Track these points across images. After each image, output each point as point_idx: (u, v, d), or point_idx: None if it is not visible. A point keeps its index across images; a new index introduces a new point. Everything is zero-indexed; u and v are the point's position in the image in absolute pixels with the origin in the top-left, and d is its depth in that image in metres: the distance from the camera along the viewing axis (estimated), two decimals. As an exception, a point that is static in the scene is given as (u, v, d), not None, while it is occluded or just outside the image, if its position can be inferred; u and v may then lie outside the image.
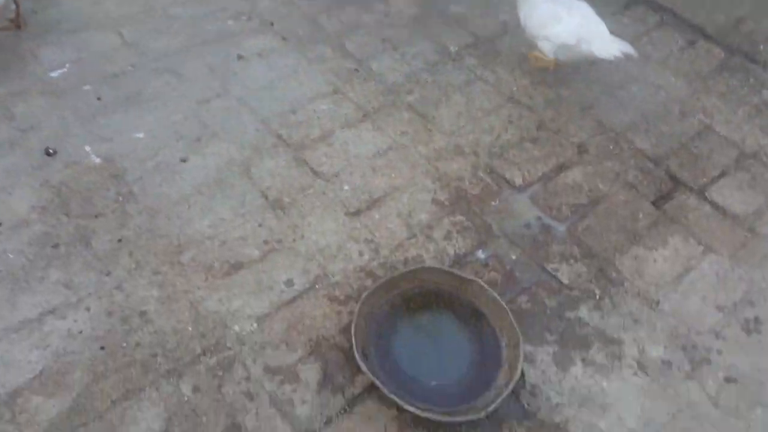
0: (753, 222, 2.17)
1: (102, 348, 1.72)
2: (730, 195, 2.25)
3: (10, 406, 1.59)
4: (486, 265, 1.97)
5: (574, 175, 2.27)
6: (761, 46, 2.93)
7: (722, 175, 2.33)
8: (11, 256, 1.92)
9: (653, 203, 2.20)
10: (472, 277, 1.81)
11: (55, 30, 2.71)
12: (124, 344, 1.73)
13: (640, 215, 2.14)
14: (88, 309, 1.81)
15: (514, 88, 2.59)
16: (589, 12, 2.51)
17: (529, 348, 1.77)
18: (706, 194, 2.25)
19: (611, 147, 2.38)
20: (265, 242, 2.00)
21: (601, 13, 2.88)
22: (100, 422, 1.58)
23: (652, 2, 3.12)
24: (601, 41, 2.43)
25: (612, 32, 2.48)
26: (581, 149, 2.36)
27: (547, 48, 2.56)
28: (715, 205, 2.22)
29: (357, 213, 2.09)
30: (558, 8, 2.48)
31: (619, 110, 2.53)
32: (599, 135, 2.43)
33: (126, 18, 2.80)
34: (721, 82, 2.72)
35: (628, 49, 2.42)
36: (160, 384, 1.65)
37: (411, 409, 1.53)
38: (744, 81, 2.76)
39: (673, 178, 2.30)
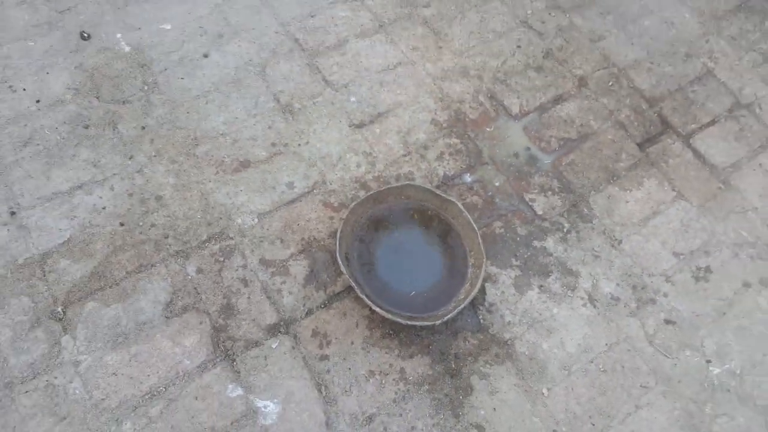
0: (729, 174, 2.00)
1: (122, 224, 1.74)
2: (714, 144, 2.05)
3: (41, 265, 1.65)
4: (470, 188, 1.87)
5: (569, 108, 2.07)
6: (786, -12, 2.53)
7: (712, 123, 2.11)
8: (48, 132, 1.89)
9: (639, 145, 2.02)
10: (452, 198, 1.73)
11: None
12: (141, 223, 1.74)
13: (623, 155, 1.98)
14: (112, 188, 1.80)
15: (529, 12, 2.30)
16: None
17: (494, 270, 1.73)
18: (691, 141, 2.06)
19: (611, 83, 2.14)
20: (273, 144, 1.92)
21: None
22: (116, 288, 1.63)
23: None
24: None
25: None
26: (581, 82, 2.14)
27: None
28: (697, 153, 2.03)
29: (360, 126, 1.97)
30: None
31: (626, 45, 2.25)
32: (602, 69, 2.18)
33: None
34: (735, 23, 2.38)
35: None
36: (169, 262, 1.68)
37: (379, 310, 1.53)
38: (758, 25, 2.40)
39: (664, 122, 2.09)
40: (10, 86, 1.97)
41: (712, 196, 1.93)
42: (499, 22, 2.27)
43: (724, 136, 2.07)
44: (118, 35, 2.12)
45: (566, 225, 1.84)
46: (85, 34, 2.13)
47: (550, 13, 2.30)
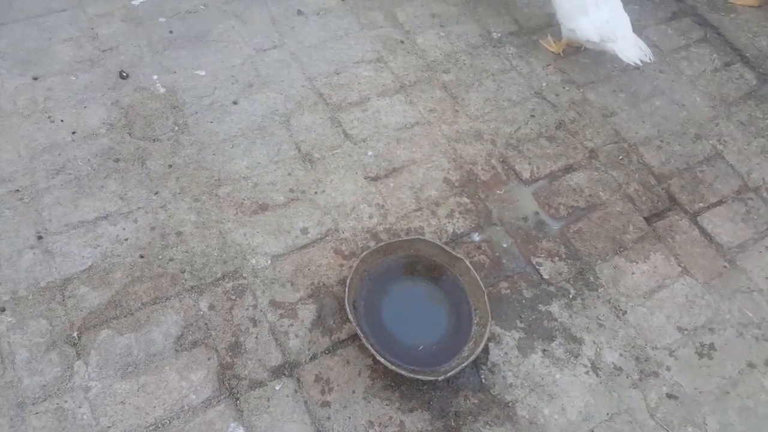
0: (735, 255, 2.01)
1: (141, 256, 1.79)
2: (721, 224, 2.08)
3: (62, 290, 1.70)
4: (478, 247, 1.92)
5: (579, 178, 2.14)
6: (795, 80, 2.65)
7: (719, 203, 2.15)
8: (80, 163, 1.98)
9: (646, 219, 2.06)
10: (461, 255, 1.77)
11: (144, -41, 2.66)
12: (160, 257, 1.80)
13: (631, 228, 2.02)
14: (135, 221, 1.87)
15: (544, 84, 2.41)
16: (617, 6, 2.27)
17: (498, 330, 1.75)
18: (698, 219, 2.10)
19: (621, 157, 2.21)
20: (291, 190, 1.99)
21: (646, 21, 2.67)
22: (130, 318, 1.67)
23: (699, 16, 2.79)
24: (624, 43, 2.22)
25: (647, 40, 2.25)
26: (592, 154, 2.21)
27: (573, 39, 2.37)
28: (703, 231, 2.07)
29: (375, 179, 2.05)
30: (588, 1, 2.24)
31: (638, 122, 2.34)
32: (613, 143, 2.26)
33: (206, -43, 2.72)
34: (745, 110, 2.45)
35: (648, 55, 2.23)
36: (183, 297, 1.73)
37: (383, 361, 1.55)
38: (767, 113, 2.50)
39: (671, 198, 2.14)
40: (50, 117, 2.08)
41: (718, 275, 1.95)
42: (515, 92, 2.38)
43: (731, 217, 2.10)
44: (155, 77, 2.24)
45: (572, 291, 1.86)
46: (124, 74, 2.26)
47: (564, 87, 2.41)
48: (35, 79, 2.17)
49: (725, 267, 1.97)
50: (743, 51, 2.67)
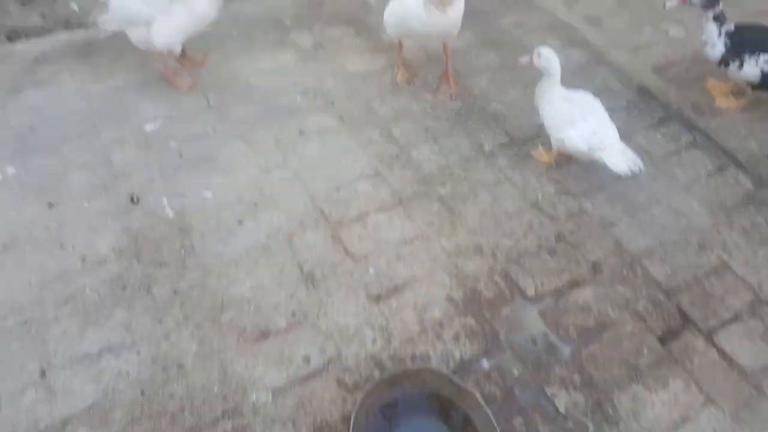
0: (761, 379, 1.83)
1: (142, 393, 1.70)
2: (740, 344, 1.92)
3: (60, 432, 1.60)
4: (488, 376, 1.79)
5: (586, 295, 2.03)
6: (791, 182, 2.58)
7: (734, 320, 1.99)
8: (89, 291, 1.94)
9: (660, 339, 1.92)
10: (471, 389, 1.65)
11: (156, 86, 2.72)
12: (161, 393, 1.70)
13: (645, 350, 1.88)
14: (138, 353, 1.79)
15: (540, 195, 2.37)
16: (603, 117, 2.28)
17: (511, 470, 1.59)
18: (715, 339, 1.94)
19: (625, 271, 2.11)
20: (293, 314, 1.91)
21: (634, 127, 2.66)
22: (128, 463, 1.55)
23: (686, 121, 2.78)
24: (611, 152, 2.20)
25: (637, 146, 2.20)
26: (596, 268, 2.12)
27: (561, 148, 2.36)
28: (722, 353, 1.90)
29: (377, 298, 1.97)
30: (573, 111, 2.26)
31: (638, 233, 2.25)
32: (615, 256, 2.17)
33: (214, 83, 2.77)
34: (746, 216, 2.35)
35: (638, 164, 2.20)
36: (182, 439, 1.61)
37: None
38: None
39: (683, 315, 2.00)
40: (62, 244, 2.07)
41: (745, 403, 1.77)
42: (511, 204, 2.33)
43: (749, 336, 1.95)
44: (164, 200, 2.24)
45: (591, 427, 1.69)
46: (135, 198, 2.26)
47: (559, 198, 2.36)
48: (50, 206, 2.18)
49: (752, 395, 1.78)
50: (735, 154, 2.61)
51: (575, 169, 2.48)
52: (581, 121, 2.22)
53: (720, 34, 2.61)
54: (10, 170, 2.30)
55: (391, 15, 2.70)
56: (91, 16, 2.68)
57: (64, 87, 2.69)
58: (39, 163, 2.33)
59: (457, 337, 1.88)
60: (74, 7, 3.23)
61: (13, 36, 3.04)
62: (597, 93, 2.77)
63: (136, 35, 2.60)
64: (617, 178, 2.35)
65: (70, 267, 2.00)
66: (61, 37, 3.00)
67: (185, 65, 2.84)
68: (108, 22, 2.62)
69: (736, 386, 1.81)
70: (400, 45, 2.91)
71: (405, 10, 2.55)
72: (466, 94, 2.86)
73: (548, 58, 2.28)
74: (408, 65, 2.98)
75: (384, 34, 3.07)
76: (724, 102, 2.85)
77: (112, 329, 1.84)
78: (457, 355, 1.84)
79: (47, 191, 2.23)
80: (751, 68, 2.59)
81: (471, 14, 3.23)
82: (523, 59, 2.36)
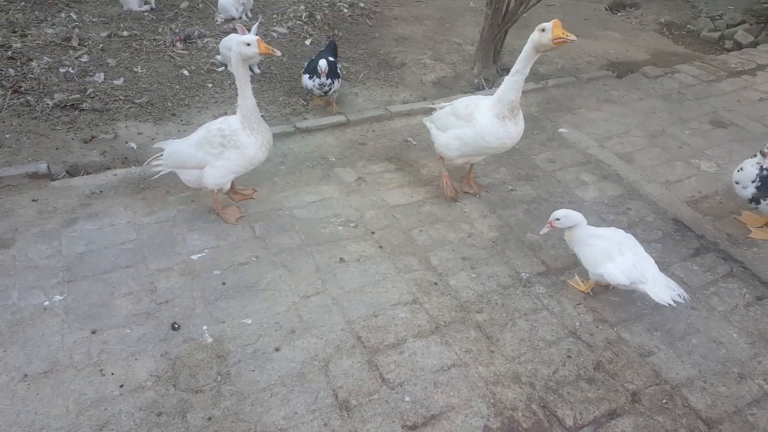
0: None
1: None
2: (785, 479, 2.09)
3: None
4: None
5: (625, 425, 2.23)
6: (834, 313, 2.82)
7: (779, 452, 2.18)
8: (124, 417, 2.21)
9: (702, 473, 2.10)
10: None
11: (205, 218, 3.25)
12: None
13: (686, 485, 2.05)
14: (169, 483, 2.01)
15: (577, 324, 2.67)
16: (639, 250, 2.63)
17: None
18: (759, 472, 2.12)
19: (665, 401, 2.33)
20: (327, 444, 2.14)
21: (670, 258, 3.02)
22: None
23: (722, 252, 3.14)
24: (654, 284, 2.52)
25: (674, 277, 2.51)
26: (634, 398, 2.34)
27: (600, 281, 2.69)
28: (768, 488, 2.07)
29: (413, 428, 2.20)
30: (610, 246, 2.61)
31: (677, 362, 2.50)
32: (654, 386, 2.40)
33: (260, 214, 3.30)
34: None
35: (681, 295, 2.51)
36: None
37: None
38: None
39: (726, 447, 2.20)
40: (101, 370, 2.40)
41: None
42: (549, 332, 2.63)
43: (794, 469, 2.11)
44: (204, 327, 2.61)
45: None
46: (176, 325, 2.64)
47: (597, 326, 2.66)
48: (93, 332, 2.55)
49: None
50: (773, 285, 2.95)
51: (612, 298, 2.80)
52: (620, 256, 2.58)
53: (755, 179, 3.08)
54: (57, 297, 2.72)
55: (456, 140, 3.24)
56: (145, 162, 3.31)
57: (117, 219, 3.24)
58: (85, 291, 2.75)
59: (495, 469, 2.07)
60: (132, 145, 3.97)
61: (73, 171, 3.72)
62: (632, 225, 3.23)
63: (186, 176, 3.19)
64: (655, 307, 2.67)
65: (108, 393, 2.30)
66: (118, 173, 3.65)
67: (234, 199, 3.41)
68: (161, 165, 3.22)
69: None
70: (444, 163, 3.50)
71: (480, 132, 3.10)
72: (483, 190, 3.51)
73: (567, 217, 2.71)
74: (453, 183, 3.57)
75: (425, 166, 3.65)
76: (759, 234, 3.24)
77: (143, 458, 2.10)
78: (495, 489, 2.01)
79: (91, 318, 2.62)
80: None
81: (506, 153, 3.84)
82: (544, 231, 2.79)
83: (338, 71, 4.38)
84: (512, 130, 3.07)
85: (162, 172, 3.22)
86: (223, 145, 3.00)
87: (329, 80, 4.25)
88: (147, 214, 3.28)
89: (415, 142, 4.08)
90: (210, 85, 4.77)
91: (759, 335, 2.66)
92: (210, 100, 4.55)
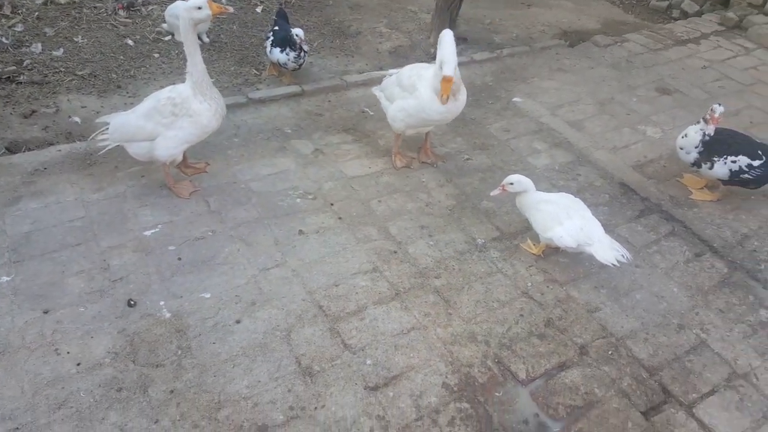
0: None
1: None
2: (717, 415, 2.31)
3: None
4: (483, 459, 2.11)
5: (574, 375, 2.42)
6: (763, 265, 3.07)
7: (712, 392, 2.40)
8: (82, 395, 2.24)
9: (643, 414, 2.30)
10: (465, 469, 1.96)
11: (156, 193, 3.25)
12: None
13: (630, 425, 2.25)
14: (133, 455, 2.06)
15: (529, 284, 2.84)
16: (587, 213, 2.81)
17: None
18: (694, 411, 2.33)
19: (610, 352, 2.53)
20: (291, 408, 2.24)
21: (616, 220, 3.22)
22: None
23: (665, 213, 3.37)
24: (599, 246, 2.71)
25: (619, 237, 2.71)
26: (583, 351, 2.53)
27: (550, 243, 2.86)
28: (701, 424, 2.29)
29: (374, 388, 2.32)
30: (559, 211, 2.77)
31: (621, 316, 2.71)
32: (601, 339, 2.60)
33: (214, 188, 3.32)
34: (722, 297, 2.86)
35: (625, 255, 2.70)
36: None
37: None
38: (743, 299, 2.88)
39: (665, 391, 2.40)
40: (56, 349, 2.40)
41: (724, 470, 2.12)
42: (503, 293, 2.80)
43: (725, 406, 2.34)
44: (161, 303, 2.64)
45: (580, 500, 1.98)
46: (132, 302, 2.66)
47: (548, 286, 2.84)
48: (45, 312, 2.54)
49: (730, 462, 2.15)
50: (711, 242, 3.18)
51: (562, 259, 2.98)
52: (568, 220, 2.74)
53: (698, 145, 3.29)
54: (4, 278, 2.69)
55: (400, 111, 3.33)
56: (90, 137, 3.25)
57: (63, 196, 3.19)
58: (34, 271, 2.73)
59: (452, 422, 2.22)
60: (76, 119, 3.88)
61: (13, 148, 3.61)
62: (581, 190, 3.41)
63: (135, 149, 3.15)
64: (601, 266, 2.85)
65: (65, 372, 2.32)
66: (62, 149, 3.57)
67: (187, 173, 3.40)
68: (108, 140, 3.16)
69: (715, 455, 2.17)
70: (399, 136, 3.58)
71: (422, 105, 3.19)
72: (440, 159, 3.64)
73: (519, 182, 2.85)
74: (404, 152, 3.67)
75: (383, 137, 3.74)
76: (699, 195, 3.49)
77: None
78: (453, 439, 2.17)
79: (42, 298, 2.61)
80: (721, 168, 3.25)
81: (460, 122, 3.99)
82: (495, 193, 2.93)
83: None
84: (451, 105, 3.15)
85: (109, 147, 3.16)
86: (174, 113, 2.98)
87: (304, 52, 4.20)
88: (95, 190, 3.24)
89: (372, 113, 4.13)
90: (156, 55, 4.69)
91: (697, 289, 2.91)
92: (157, 70, 4.47)
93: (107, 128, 3.16)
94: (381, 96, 3.57)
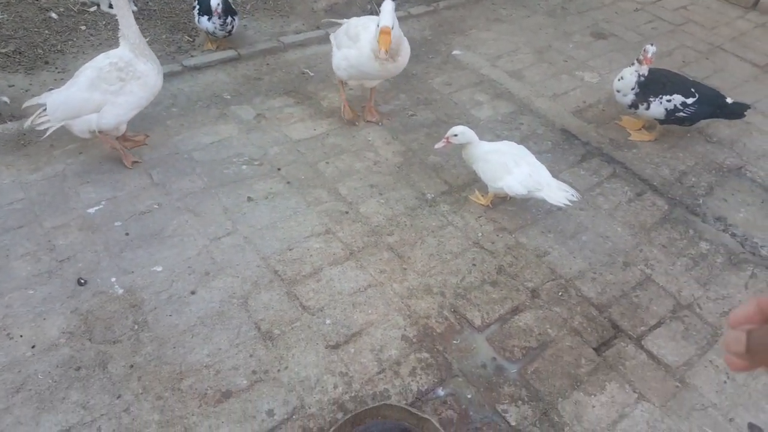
0: (683, 373, 2.31)
1: (105, 473, 1.91)
2: (665, 345, 2.41)
3: None
4: (444, 402, 2.15)
5: (527, 318, 2.47)
6: (701, 200, 3.17)
7: (658, 324, 2.50)
8: (40, 377, 2.16)
9: (595, 350, 2.37)
10: (427, 416, 1.98)
11: (97, 170, 3.09)
12: (124, 470, 1.92)
13: (583, 361, 2.32)
14: (99, 429, 2.01)
15: (480, 234, 2.85)
16: (533, 160, 2.81)
17: (474, 485, 1.91)
18: (643, 343, 2.42)
19: (560, 294, 2.59)
20: (254, 372, 2.21)
21: (559, 165, 3.24)
22: None
23: (606, 155, 3.42)
24: (549, 189, 2.72)
25: (564, 182, 2.76)
26: (534, 294, 2.58)
27: (499, 193, 2.87)
28: (650, 354, 2.38)
29: (336, 346, 2.31)
30: (506, 160, 2.76)
31: (569, 258, 2.76)
32: (551, 281, 2.65)
33: (156, 160, 3.17)
34: (663, 233, 2.94)
35: (573, 195, 2.73)
36: None
37: None
38: (684, 233, 2.97)
39: (615, 326, 2.48)
40: (8, 334, 2.30)
41: (672, 396, 2.22)
42: (455, 245, 2.80)
43: (672, 336, 2.44)
44: (113, 279, 2.54)
45: (540, 434, 2.07)
46: (82, 281, 2.55)
47: (498, 235, 2.86)
48: (-8, 298, 2.44)
49: (677, 387, 2.24)
50: (650, 180, 3.25)
51: (509, 207, 3.00)
52: (516, 168, 2.74)
53: (634, 86, 3.31)
54: None
55: (344, 60, 3.24)
56: (26, 123, 2.98)
57: (-1, 179, 3.04)
58: (-24, 257, 2.60)
59: (413, 372, 2.23)
60: (4, 99, 3.61)
61: (-62, 133, 3.38)
62: (524, 139, 3.42)
63: (80, 126, 2.94)
64: (548, 211, 2.90)
65: (20, 355, 2.23)
66: (-8, 131, 3.38)
67: (126, 146, 3.22)
68: (50, 121, 2.92)
69: (663, 382, 2.27)
70: (343, 85, 3.51)
71: (360, 60, 3.11)
72: (384, 118, 3.57)
73: (464, 134, 2.81)
74: (351, 106, 3.58)
75: (325, 98, 3.63)
76: (637, 136, 3.55)
77: (68, 411, 2.07)
78: (414, 388, 2.19)
79: (-13, 284, 2.50)
80: (657, 108, 3.29)
81: (403, 78, 3.90)
82: (439, 145, 2.88)
83: (233, 7, 4.09)
84: (389, 67, 3.08)
85: (52, 129, 2.93)
86: (121, 79, 2.84)
87: (230, 18, 3.95)
88: (32, 171, 3.05)
89: (312, 74, 4.00)
90: (83, 28, 4.37)
91: (640, 227, 2.98)
92: (86, 43, 4.19)
93: (44, 110, 2.92)
94: (333, 42, 3.46)
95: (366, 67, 3.14)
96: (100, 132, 2.99)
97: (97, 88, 2.86)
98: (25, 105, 3.00)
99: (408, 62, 3.25)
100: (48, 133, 2.95)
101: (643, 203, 3.13)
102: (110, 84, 2.86)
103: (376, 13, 4.91)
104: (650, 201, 3.13)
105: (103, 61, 2.89)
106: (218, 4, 3.90)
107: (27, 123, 2.98)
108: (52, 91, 2.98)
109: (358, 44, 3.13)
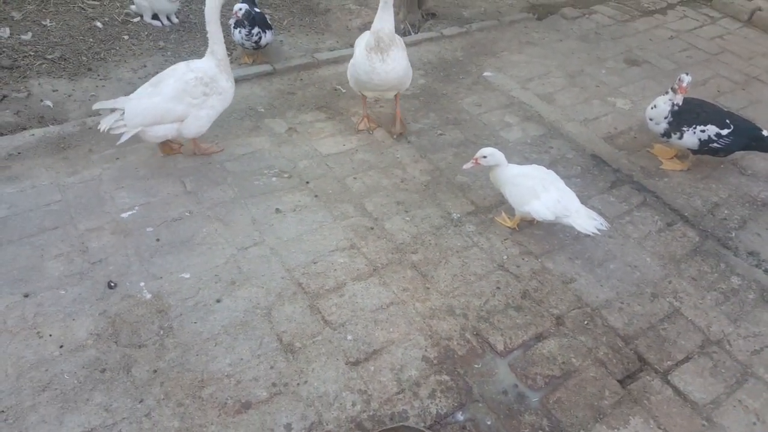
0: (710, 411, 2.21)
1: (124, 477, 1.90)
2: (692, 381, 2.31)
3: None
4: (463, 427, 2.09)
5: (551, 346, 2.40)
6: (733, 233, 3.06)
7: (686, 359, 2.40)
8: (66, 377, 2.17)
9: (620, 382, 2.29)
10: (445, 440, 1.93)
11: (132, 175, 3.12)
12: (143, 475, 1.91)
13: (606, 393, 2.23)
14: (119, 433, 2.01)
15: (505, 257, 2.80)
16: (562, 185, 2.75)
17: None
18: (669, 378, 2.33)
19: (586, 322, 2.51)
20: (273, 384, 2.19)
21: (589, 191, 3.17)
22: None
23: (636, 183, 3.34)
24: (577, 216, 2.66)
25: (593, 208, 2.70)
26: (559, 321, 2.51)
27: (526, 216, 2.81)
28: (676, 390, 2.28)
29: (356, 363, 2.27)
30: (535, 184, 2.70)
31: (596, 287, 2.68)
32: (576, 309, 2.57)
33: (190, 169, 3.20)
34: (694, 266, 2.84)
35: (602, 224, 2.66)
36: None
37: None
38: (715, 266, 2.87)
39: (641, 359, 2.39)
40: (38, 332, 2.32)
41: (698, 434, 2.13)
42: (479, 266, 2.75)
43: (699, 372, 2.34)
44: (142, 284, 2.55)
45: (559, 467, 1.98)
46: (112, 284, 2.57)
47: (523, 258, 2.80)
48: (26, 296, 2.45)
49: (704, 425, 2.15)
50: (681, 211, 3.16)
51: (536, 231, 2.94)
52: (544, 193, 2.68)
53: (667, 115, 3.24)
54: None
55: (350, 68, 3.35)
56: (101, 126, 2.92)
57: (38, 180, 3.05)
58: (13, 255, 2.62)
59: (432, 394, 2.18)
60: (48, 103, 3.70)
61: (-15, 134, 3.46)
62: (553, 162, 3.36)
63: (159, 132, 2.98)
64: (575, 237, 2.83)
65: (48, 355, 2.24)
66: (36, 133, 3.41)
67: (164, 151, 3.26)
68: (126, 126, 2.91)
69: (689, 420, 2.17)
70: (364, 98, 3.55)
71: (356, 61, 3.19)
72: (406, 131, 3.53)
73: (493, 155, 2.77)
74: (372, 117, 3.62)
75: (356, 114, 3.63)
76: (669, 165, 3.46)
77: (91, 412, 2.07)
78: (433, 410, 2.13)
79: (22, 282, 2.51)
80: (690, 137, 3.21)
81: (433, 97, 3.90)
82: (467, 166, 2.84)
83: (268, 22, 4.15)
84: (377, 66, 3.08)
85: (128, 135, 2.92)
86: (206, 93, 2.97)
87: (257, 30, 4.00)
88: (71, 173, 3.11)
89: (344, 90, 4.01)
90: (126, 37, 4.48)
91: (669, 258, 2.89)
92: (127, 52, 4.28)
93: (121, 116, 2.90)
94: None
95: (360, 68, 3.18)
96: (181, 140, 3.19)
97: (181, 100, 2.96)
98: (95, 107, 3.02)
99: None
100: (124, 139, 2.95)
101: (674, 234, 3.03)
102: (194, 97, 2.97)
103: (410, 32, 4.98)
104: (681, 232, 3.04)
105: (187, 72, 2.98)
106: (240, 9, 3.96)
107: (102, 126, 2.94)
108: (130, 97, 3.01)
109: (357, 48, 3.24)
